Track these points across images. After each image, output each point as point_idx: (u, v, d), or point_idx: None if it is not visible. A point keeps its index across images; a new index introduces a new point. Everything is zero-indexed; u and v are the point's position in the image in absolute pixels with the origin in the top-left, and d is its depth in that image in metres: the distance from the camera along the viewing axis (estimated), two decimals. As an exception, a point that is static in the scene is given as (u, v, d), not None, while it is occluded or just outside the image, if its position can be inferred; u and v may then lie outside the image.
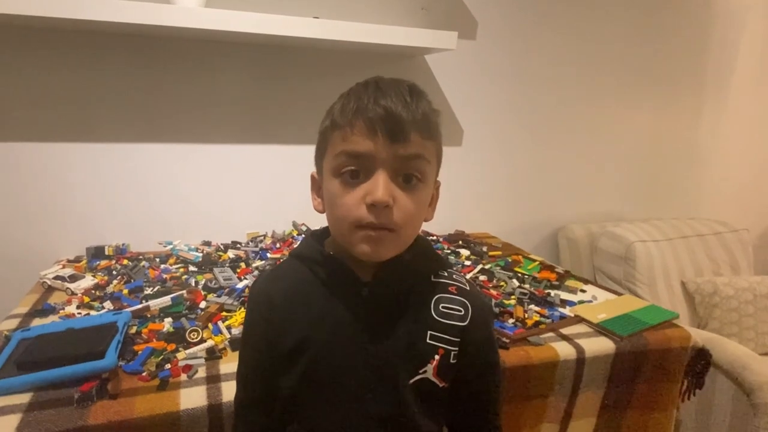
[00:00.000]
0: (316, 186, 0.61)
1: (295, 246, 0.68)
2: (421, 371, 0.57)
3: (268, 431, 0.62)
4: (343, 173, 0.53)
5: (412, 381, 0.57)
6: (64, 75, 1.23)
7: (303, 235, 1.41)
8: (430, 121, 0.54)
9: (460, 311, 0.59)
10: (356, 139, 0.51)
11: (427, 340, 0.57)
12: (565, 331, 0.98)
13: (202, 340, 0.86)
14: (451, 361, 0.58)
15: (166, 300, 0.99)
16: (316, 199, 0.61)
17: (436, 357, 0.57)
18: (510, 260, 1.36)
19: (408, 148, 0.52)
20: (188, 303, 1.01)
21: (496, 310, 1.02)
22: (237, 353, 0.84)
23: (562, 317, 1.03)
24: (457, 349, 0.58)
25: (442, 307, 0.59)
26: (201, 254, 1.28)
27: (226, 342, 0.87)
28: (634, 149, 1.90)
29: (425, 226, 1.61)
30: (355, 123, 0.51)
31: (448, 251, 1.41)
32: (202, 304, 1.01)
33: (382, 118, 0.50)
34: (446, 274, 0.63)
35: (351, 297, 0.57)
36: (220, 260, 1.26)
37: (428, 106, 0.55)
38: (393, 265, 0.57)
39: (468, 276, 1.22)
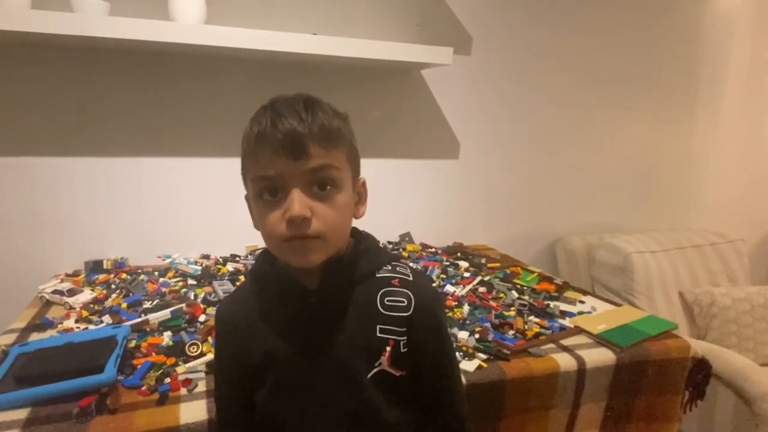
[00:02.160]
0: (250, 206, 0.64)
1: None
2: (376, 364, 0.59)
3: None
4: (262, 196, 0.56)
5: (370, 375, 0.59)
6: (63, 90, 1.24)
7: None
8: (329, 131, 0.56)
9: (403, 302, 0.61)
10: (263, 164, 0.55)
11: (378, 334, 0.60)
12: (565, 342, 0.98)
13: (202, 354, 0.86)
14: (402, 350, 0.60)
15: (165, 314, 0.99)
16: (254, 219, 0.63)
17: (387, 348, 0.59)
18: (509, 272, 1.36)
19: (310, 162, 0.54)
20: (187, 316, 1.00)
21: (496, 321, 1.03)
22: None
23: (562, 328, 1.03)
24: (405, 338, 0.60)
25: (387, 301, 0.61)
26: (200, 267, 1.28)
27: (226, 355, 0.87)
28: (630, 161, 1.92)
29: (423, 238, 1.62)
30: (259, 150, 0.55)
31: (447, 263, 1.41)
32: (202, 318, 1.00)
33: (280, 141, 0.53)
34: (389, 267, 0.64)
35: (301, 306, 0.60)
36: (219, 273, 1.26)
37: (326, 116, 0.56)
38: (335, 269, 0.60)
39: (467, 288, 1.22)
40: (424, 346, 0.62)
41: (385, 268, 0.64)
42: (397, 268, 0.64)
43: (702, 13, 1.89)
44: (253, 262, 0.69)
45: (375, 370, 0.59)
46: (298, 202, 0.54)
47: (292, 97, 0.58)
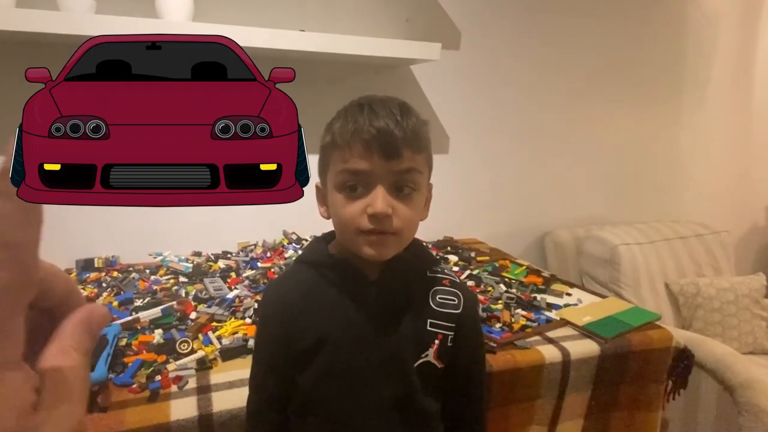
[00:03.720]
0: (321, 195, 0.67)
1: (301, 252, 0.75)
2: (423, 355, 0.64)
3: (284, 426, 0.66)
4: (345, 188, 0.60)
5: (416, 364, 0.64)
6: (51, 89, 1.23)
7: (293, 244, 1.43)
8: (419, 136, 0.60)
9: (454, 301, 0.67)
10: (355, 159, 0.58)
11: (428, 328, 0.65)
12: (551, 334, 1.00)
13: (193, 351, 0.87)
14: (449, 344, 0.65)
15: (156, 311, 0.99)
16: (322, 207, 0.67)
17: (436, 342, 0.65)
18: (497, 265, 1.38)
19: (401, 164, 0.58)
20: (178, 314, 1.01)
21: (484, 314, 1.04)
22: (228, 363, 0.84)
23: (548, 321, 1.06)
24: (453, 333, 0.66)
25: (439, 298, 0.67)
26: (191, 265, 1.29)
27: (217, 352, 0.88)
28: (617, 154, 1.94)
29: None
30: (353, 145, 0.58)
31: (437, 257, 1.43)
32: (193, 315, 1.01)
33: (376, 140, 0.57)
34: (439, 269, 0.71)
35: (360, 295, 0.64)
36: (211, 270, 1.27)
37: (417, 121, 0.60)
38: (395, 264, 0.63)
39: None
40: (465, 343, 0.67)
41: (434, 269, 0.70)
42: (446, 271, 0.71)
43: (688, 9, 1.90)
44: (303, 249, 0.73)
45: (421, 360, 0.64)
46: (382, 199, 0.57)
47: (384, 99, 0.61)
